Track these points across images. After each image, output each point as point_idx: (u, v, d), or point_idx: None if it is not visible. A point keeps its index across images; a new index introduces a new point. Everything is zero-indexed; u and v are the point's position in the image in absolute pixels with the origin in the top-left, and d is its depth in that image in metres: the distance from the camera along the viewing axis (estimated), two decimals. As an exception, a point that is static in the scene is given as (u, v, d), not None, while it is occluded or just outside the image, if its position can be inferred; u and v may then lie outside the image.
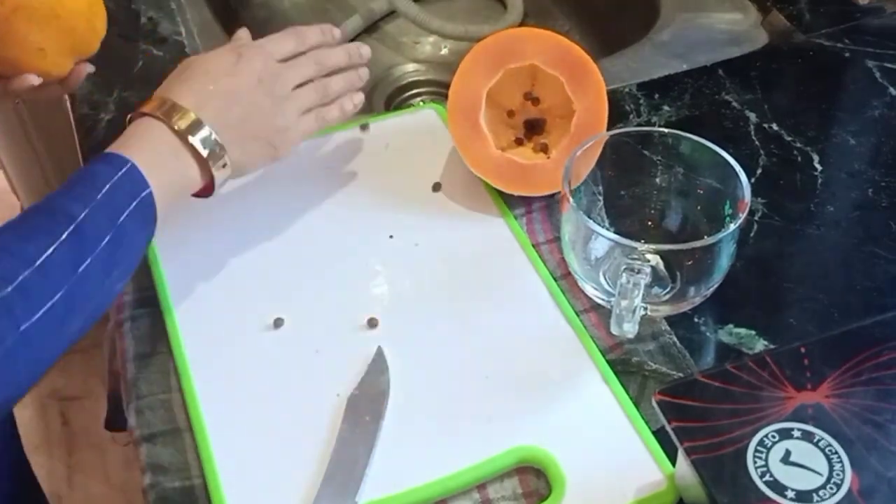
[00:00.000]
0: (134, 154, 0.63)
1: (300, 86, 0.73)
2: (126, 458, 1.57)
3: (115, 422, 0.79)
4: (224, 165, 0.68)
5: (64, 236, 0.58)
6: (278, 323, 0.70)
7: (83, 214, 0.59)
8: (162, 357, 0.69)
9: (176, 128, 0.65)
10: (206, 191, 0.69)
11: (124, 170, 0.62)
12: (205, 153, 0.66)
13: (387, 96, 1.13)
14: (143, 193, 0.63)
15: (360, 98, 0.78)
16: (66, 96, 0.94)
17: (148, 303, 0.72)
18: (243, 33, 0.77)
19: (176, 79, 0.69)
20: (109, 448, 1.59)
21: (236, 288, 0.73)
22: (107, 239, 0.60)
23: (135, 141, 0.65)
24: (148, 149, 0.64)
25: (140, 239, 0.64)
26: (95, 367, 1.69)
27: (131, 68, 0.93)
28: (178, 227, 0.77)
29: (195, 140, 0.66)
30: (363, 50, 0.80)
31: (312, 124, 0.74)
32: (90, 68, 0.74)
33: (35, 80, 0.69)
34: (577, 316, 0.70)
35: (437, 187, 0.80)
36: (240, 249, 0.75)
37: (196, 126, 0.66)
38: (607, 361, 0.67)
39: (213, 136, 0.66)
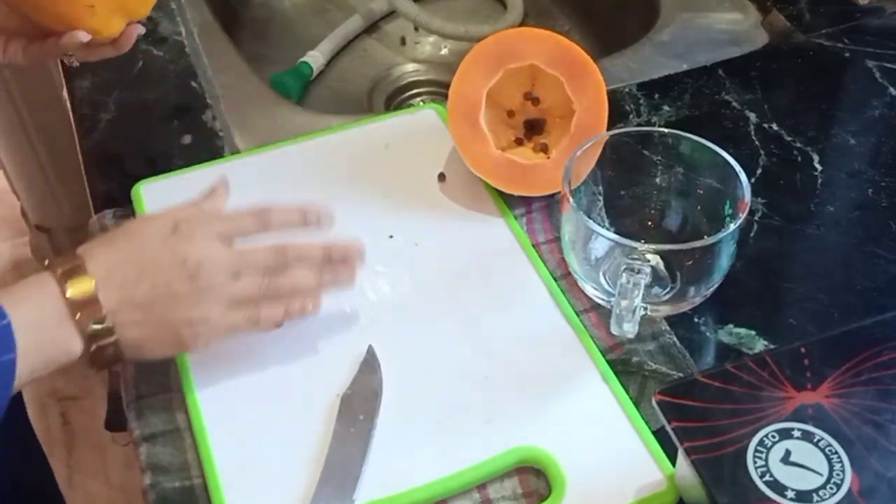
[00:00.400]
0: (15, 309, 0.57)
1: (240, 274, 0.63)
2: (126, 458, 1.57)
3: (115, 422, 0.79)
4: (112, 346, 0.60)
5: None
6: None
7: None
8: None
9: (67, 295, 0.58)
10: (95, 366, 0.61)
11: None
12: (88, 330, 0.59)
13: (387, 96, 1.13)
14: (4, 358, 0.56)
15: (316, 304, 0.66)
16: (66, 96, 0.94)
17: (148, 303, 0.72)
18: (219, 188, 0.69)
19: (108, 237, 0.64)
20: (109, 448, 1.59)
21: (236, 288, 0.73)
22: None
23: (25, 296, 0.59)
24: (32, 309, 0.58)
25: None
26: (95, 367, 1.69)
27: (131, 68, 0.93)
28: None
29: (81, 314, 0.59)
30: (359, 248, 0.68)
31: (239, 323, 0.63)
32: (141, 30, 0.74)
33: (84, 36, 0.70)
34: (577, 316, 0.70)
35: (441, 177, 0.80)
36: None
37: (86, 298, 0.59)
38: (607, 361, 0.67)
39: (103, 313, 0.59)
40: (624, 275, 0.64)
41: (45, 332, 0.58)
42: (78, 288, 0.59)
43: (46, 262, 0.62)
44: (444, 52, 1.18)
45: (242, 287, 0.63)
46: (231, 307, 0.63)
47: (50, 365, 0.59)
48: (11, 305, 0.57)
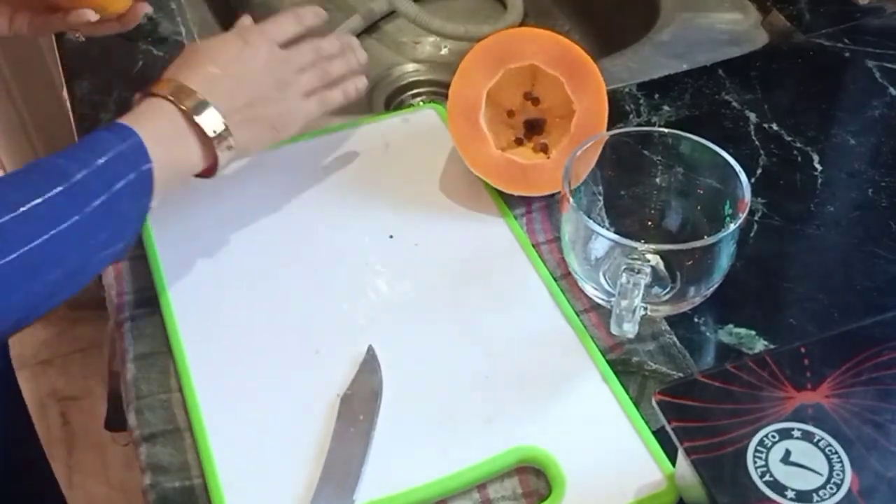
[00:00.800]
0: (141, 128, 0.65)
1: (303, 70, 0.75)
2: (126, 458, 1.57)
3: (115, 422, 0.79)
4: (229, 147, 0.69)
5: (53, 192, 0.59)
6: (278, 323, 0.70)
7: (79, 176, 0.61)
8: (162, 357, 0.68)
9: (183, 107, 0.67)
10: (209, 172, 0.70)
11: (129, 142, 0.64)
12: (211, 134, 0.67)
13: (387, 96, 1.13)
14: (144, 167, 0.64)
15: (362, 82, 0.79)
16: (66, 96, 0.94)
17: (148, 303, 0.72)
18: (247, 20, 0.79)
19: (184, 63, 0.70)
20: (109, 448, 1.59)
21: (236, 288, 0.73)
22: (97, 202, 0.61)
23: (144, 118, 0.66)
24: (155, 126, 0.66)
25: (133, 209, 0.64)
26: (95, 367, 1.69)
27: (131, 68, 0.93)
28: (179, 226, 0.77)
29: (202, 120, 0.67)
30: (351, 40, 0.81)
31: (315, 108, 0.75)
32: (147, 8, 0.77)
33: (92, 16, 0.72)
34: (577, 316, 0.70)
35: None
36: (240, 250, 0.75)
37: (202, 107, 0.67)
38: (607, 361, 0.67)
39: (220, 117, 0.68)
40: (624, 275, 0.64)
41: (170, 143, 0.66)
42: (192, 100, 0.67)
43: (137, 95, 0.69)
44: (444, 52, 1.18)
45: (308, 78, 0.75)
46: (305, 97, 0.74)
47: (178, 176, 0.67)
48: (139, 125, 0.64)
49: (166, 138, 0.66)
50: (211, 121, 0.67)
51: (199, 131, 0.67)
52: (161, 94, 0.67)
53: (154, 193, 0.65)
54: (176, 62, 0.71)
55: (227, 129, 0.68)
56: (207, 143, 0.68)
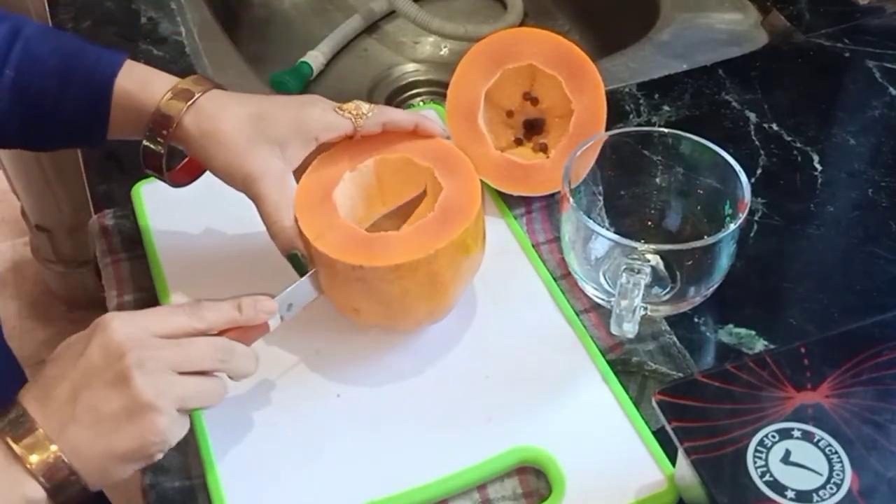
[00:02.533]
0: None
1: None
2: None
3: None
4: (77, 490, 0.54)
5: None
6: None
7: None
8: (162, 357, 0.68)
9: (28, 465, 0.52)
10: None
11: None
12: (54, 487, 0.53)
13: (387, 96, 1.13)
14: None
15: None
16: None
17: (148, 303, 0.72)
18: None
19: (46, 384, 0.55)
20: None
21: (237, 289, 0.72)
22: None
23: None
24: None
25: None
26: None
27: (131, 68, 0.93)
28: (179, 227, 0.77)
29: (43, 475, 0.53)
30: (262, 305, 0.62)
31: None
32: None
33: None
34: (577, 316, 0.70)
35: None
36: (240, 250, 0.75)
37: (51, 464, 0.53)
38: (607, 361, 0.67)
39: (67, 469, 0.53)
40: (624, 275, 0.64)
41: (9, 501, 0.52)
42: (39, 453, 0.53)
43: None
44: (444, 52, 1.18)
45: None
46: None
47: None
48: None
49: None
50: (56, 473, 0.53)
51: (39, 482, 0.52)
52: (7, 440, 0.53)
53: None
54: (39, 383, 0.55)
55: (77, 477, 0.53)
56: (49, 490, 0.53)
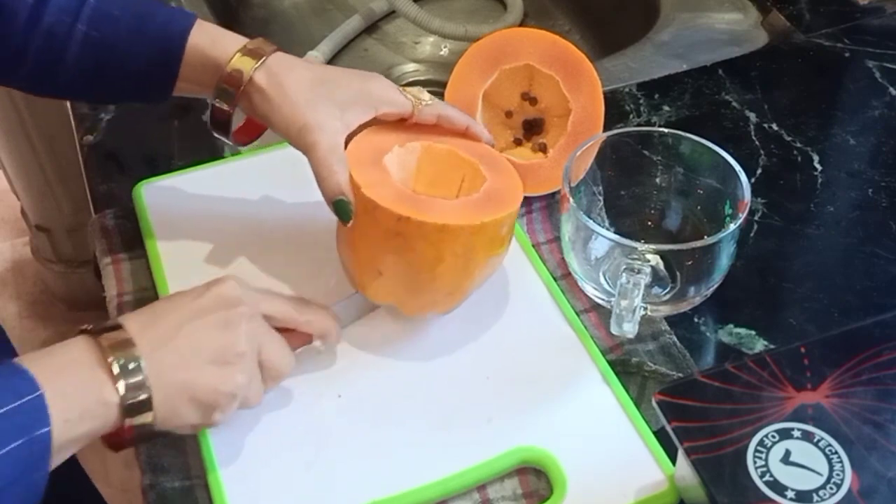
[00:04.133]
0: (50, 380, 0.53)
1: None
2: (126, 458, 1.56)
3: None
4: (144, 422, 0.56)
5: None
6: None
7: None
8: (162, 357, 0.68)
9: (113, 370, 0.55)
10: (115, 442, 0.58)
11: (26, 399, 0.52)
12: (127, 402, 0.55)
13: (387, 96, 1.13)
14: (39, 432, 0.52)
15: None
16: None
17: (148, 303, 0.72)
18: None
19: (154, 311, 0.60)
20: (109, 448, 1.59)
21: (236, 288, 0.73)
22: None
23: (61, 364, 0.55)
24: (69, 379, 0.54)
25: (19, 481, 0.51)
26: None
27: (131, 68, 0.93)
28: (180, 227, 0.77)
29: (124, 385, 0.55)
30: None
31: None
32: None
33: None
34: (577, 316, 0.70)
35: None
36: (241, 250, 0.75)
37: (133, 373, 0.55)
38: (607, 361, 0.67)
39: (146, 390, 0.55)
40: (624, 275, 0.64)
41: (82, 402, 0.54)
42: (126, 358, 0.55)
43: (89, 326, 0.58)
44: (444, 52, 1.18)
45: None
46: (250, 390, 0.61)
47: (87, 436, 0.55)
48: (47, 375, 0.53)
49: (79, 396, 0.54)
50: (136, 388, 0.55)
51: (120, 397, 0.55)
52: (99, 340, 0.56)
53: (51, 461, 0.53)
54: (154, 305, 0.61)
55: (148, 403, 0.56)
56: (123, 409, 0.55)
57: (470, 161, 0.69)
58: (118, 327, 0.57)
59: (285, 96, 0.66)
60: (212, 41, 0.67)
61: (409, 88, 0.70)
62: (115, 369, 0.55)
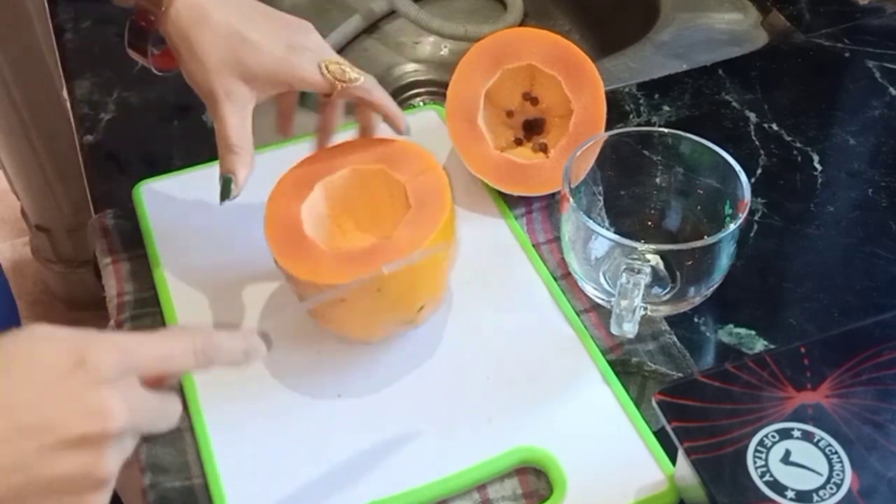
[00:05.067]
0: None
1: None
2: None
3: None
4: None
5: None
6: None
7: None
8: (162, 357, 0.68)
9: None
10: None
11: None
12: None
13: (387, 96, 1.13)
14: None
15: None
16: (66, 96, 0.94)
17: (148, 303, 0.72)
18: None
19: None
20: (109, 448, 1.59)
21: (237, 288, 0.73)
22: None
23: None
24: None
25: None
26: (95, 368, 1.68)
27: (131, 68, 0.93)
28: (180, 227, 0.77)
29: None
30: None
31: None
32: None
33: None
34: (577, 316, 0.70)
35: None
36: (241, 250, 0.75)
37: None
38: (607, 361, 0.67)
39: None
40: (624, 275, 0.64)
41: None
42: None
43: None
44: (444, 52, 1.18)
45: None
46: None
47: None
48: None
49: None
50: None
51: None
52: None
53: None
54: None
55: None
56: None
57: (399, 181, 0.68)
58: None
59: (192, 53, 0.62)
60: None
61: (332, 64, 0.66)
62: None
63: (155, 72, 0.69)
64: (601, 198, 0.74)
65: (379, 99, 0.70)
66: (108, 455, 0.43)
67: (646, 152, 0.74)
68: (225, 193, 0.64)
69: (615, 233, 0.67)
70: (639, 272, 0.64)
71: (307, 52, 0.66)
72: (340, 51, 1.14)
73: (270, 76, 0.64)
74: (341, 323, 0.66)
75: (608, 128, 0.76)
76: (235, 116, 0.63)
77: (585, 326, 0.69)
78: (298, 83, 0.66)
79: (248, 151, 0.64)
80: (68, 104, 0.92)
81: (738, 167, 0.68)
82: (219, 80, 0.63)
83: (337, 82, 0.66)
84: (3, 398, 0.42)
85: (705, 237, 0.67)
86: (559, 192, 0.71)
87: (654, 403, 0.56)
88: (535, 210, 0.78)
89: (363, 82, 0.68)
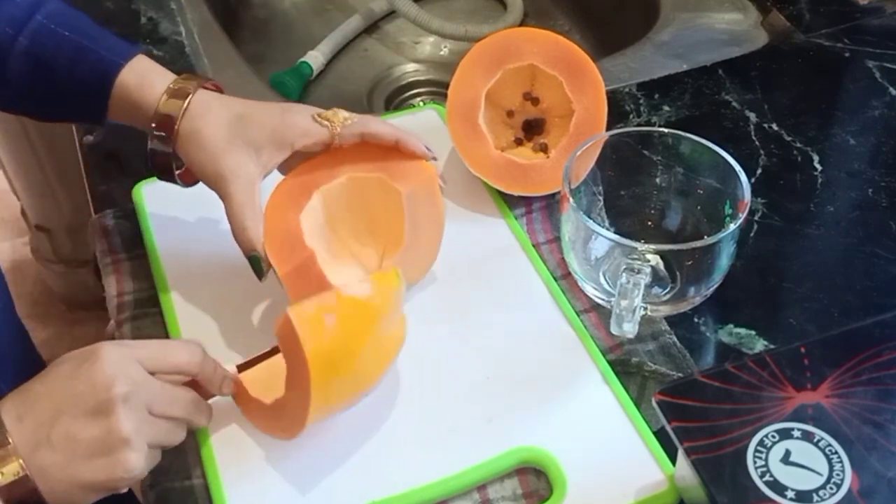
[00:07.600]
0: None
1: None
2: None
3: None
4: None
5: None
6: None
7: None
8: (162, 357, 0.68)
9: None
10: None
11: None
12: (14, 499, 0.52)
13: (387, 96, 1.13)
14: None
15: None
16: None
17: (148, 303, 0.72)
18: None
19: (29, 397, 0.54)
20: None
21: (237, 289, 0.73)
22: None
23: None
24: None
25: None
26: (95, 368, 1.68)
27: (131, 68, 0.93)
28: (180, 227, 0.77)
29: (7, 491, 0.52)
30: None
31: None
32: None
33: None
34: (577, 316, 0.70)
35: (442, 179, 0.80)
36: (240, 250, 0.75)
37: (16, 480, 0.52)
38: (607, 361, 0.67)
39: (31, 483, 0.52)
40: (624, 275, 0.64)
41: None
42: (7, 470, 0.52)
43: None
44: (444, 52, 1.18)
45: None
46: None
47: None
48: None
49: None
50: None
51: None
52: None
53: None
54: (23, 394, 0.54)
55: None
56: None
57: (397, 190, 0.68)
58: None
59: (199, 143, 0.66)
60: (139, 82, 0.66)
61: (325, 112, 0.69)
62: None
63: (184, 187, 0.71)
64: (601, 198, 0.74)
65: (378, 130, 0.70)
66: (120, 415, 0.53)
67: (646, 152, 0.74)
68: (258, 270, 0.66)
69: (615, 233, 0.67)
70: (639, 272, 0.64)
71: (300, 111, 0.69)
72: (340, 51, 1.14)
73: (272, 139, 0.67)
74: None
75: (608, 128, 0.76)
76: (243, 194, 0.65)
77: (585, 326, 0.69)
78: (300, 137, 0.67)
79: (260, 224, 0.66)
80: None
81: (738, 167, 0.68)
82: (224, 160, 0.65)
83: (333, 125, 0.68)
84: (48, 398, 0.54)
85: (705, 237, 0.67)
86: (559, 192, 0.71)
87: (654, 403, 0.56)
88: (535, 210, 0.78)
89: (358, 119, 0.70)
